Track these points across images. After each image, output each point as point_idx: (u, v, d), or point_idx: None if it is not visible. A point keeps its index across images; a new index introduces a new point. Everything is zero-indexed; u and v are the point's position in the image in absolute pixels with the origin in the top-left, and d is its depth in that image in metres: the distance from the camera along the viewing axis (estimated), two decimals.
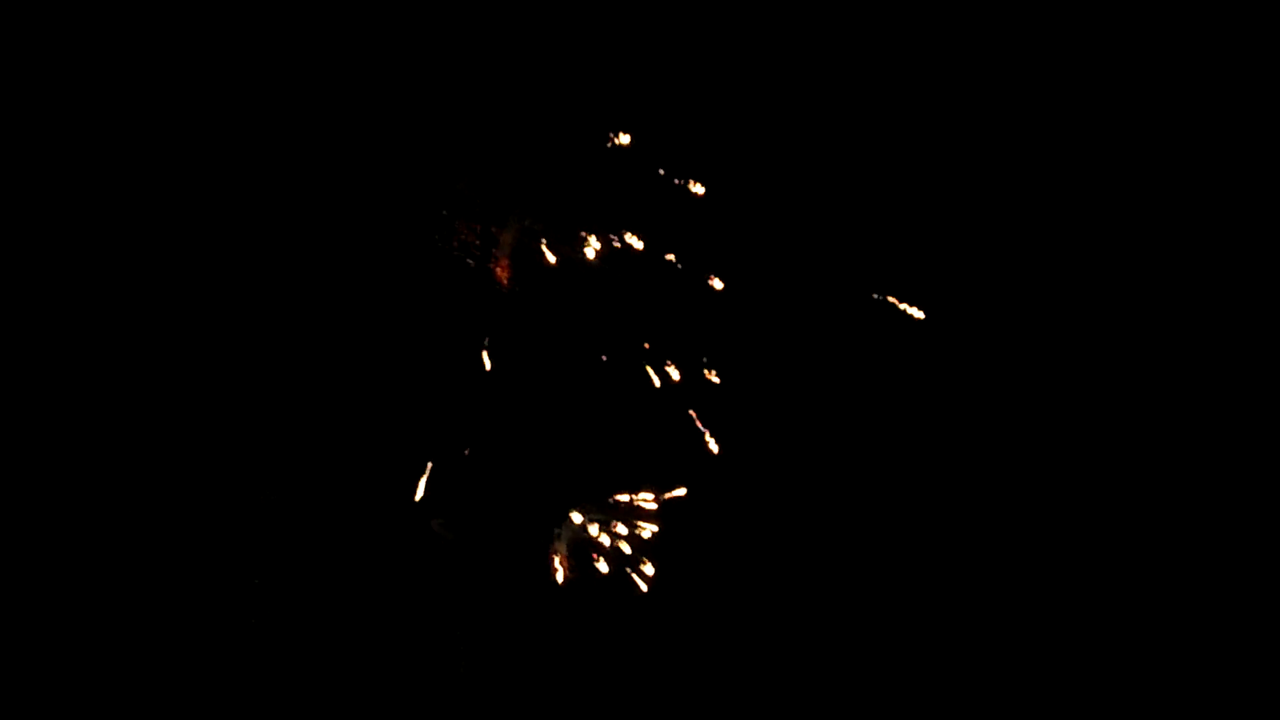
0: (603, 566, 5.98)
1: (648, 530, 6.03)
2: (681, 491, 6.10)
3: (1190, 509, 6.13)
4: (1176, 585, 6.07)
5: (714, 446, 6.13)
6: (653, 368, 6.15)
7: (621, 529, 6.02)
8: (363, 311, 6.07)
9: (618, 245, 6.09)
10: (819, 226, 6.36)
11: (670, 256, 6.16)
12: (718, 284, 6.17)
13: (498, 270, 6.10)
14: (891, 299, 6.23)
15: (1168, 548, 6.12)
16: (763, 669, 6.13)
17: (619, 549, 6.01)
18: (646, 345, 6.16)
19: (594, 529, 5.99)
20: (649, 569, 6.01)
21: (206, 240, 5.97)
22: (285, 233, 6.02)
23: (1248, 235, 6.22)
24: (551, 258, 6.11)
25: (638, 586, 6.01)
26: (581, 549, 6.02)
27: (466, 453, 6.06)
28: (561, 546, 5.97)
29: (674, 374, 6.15)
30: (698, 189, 6.15)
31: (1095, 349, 6.31)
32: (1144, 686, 5.99)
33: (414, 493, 5.95)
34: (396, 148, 6.09)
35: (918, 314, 6.19)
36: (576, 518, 6.02)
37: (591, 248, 6.11)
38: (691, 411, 6.15)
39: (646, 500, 6.06)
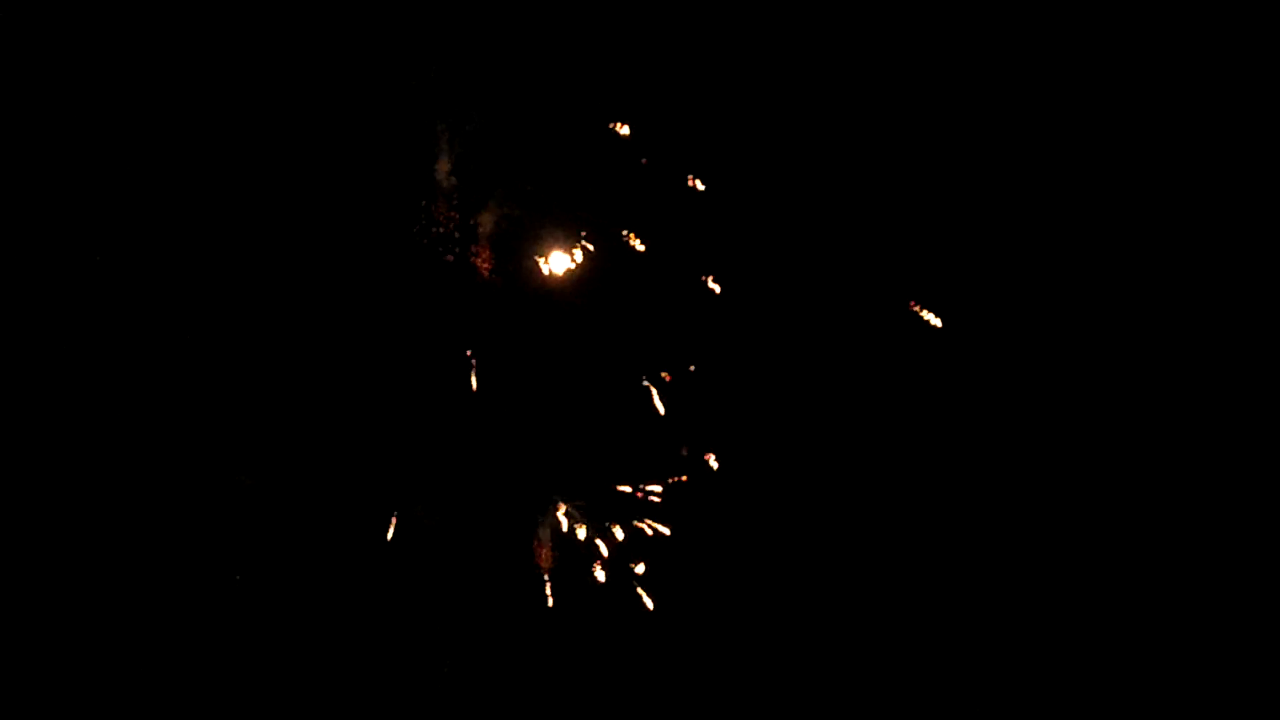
0: (581, 555, 5.96)
1: (631, 526, 6.01)
2: (662, 486, 6.08)
3: (1191, 509, 6.14)
4: (1177, 585, 6.07)
5: (708, 447, 6.12)
6: (643, 363, 6.10)
7: (604, 522, 6.00)
8: (335, 302, 5.96)
9: (608, 232, 6.03)
10: (822, 224, 6.35)
11: (665, 247, 6.09)
12: (714, 277, 6.13)
13: (477, 260, 6.01)
14: (897, 299, 6.23)
15: (1169, 548, 6.12)
16: (754, 670, 6.14)
17: (601, 541, 6.00)
18: (638, 339, 6.10)
19: (579, 524, 5.97)
20: (631, 564, 5.99)
21: (163, 234, 5.90)
22: (246, 221, 5.93)
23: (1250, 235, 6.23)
24: (536, 245, 6.03)
25: (615, 579, 5.99)
26: (564, 540, 6.00)
27: (452, 446, 5.98)
28: (545, 534, 5.94)
29: (665, 371, 6.11)
30: (697, 182, 6.11)
31: (1100, 351, 6.31)
32: (1145, 686, 6.00)
33: (390, 514, 5.88)
34: (364, 129, 5.96)
35: (933, 319, 6.19)
36: (560, 510, 5.99)
37: (579, 234, 6.04)
38: (682, 409, 6.12)
39: (631, 493, 6.04)
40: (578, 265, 6.02)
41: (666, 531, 6.07)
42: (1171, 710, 5.95)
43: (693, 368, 6.14)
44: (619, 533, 6.03)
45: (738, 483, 6.23)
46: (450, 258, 5.92)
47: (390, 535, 5.92)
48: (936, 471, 6.27)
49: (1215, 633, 5.99)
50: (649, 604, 6.04)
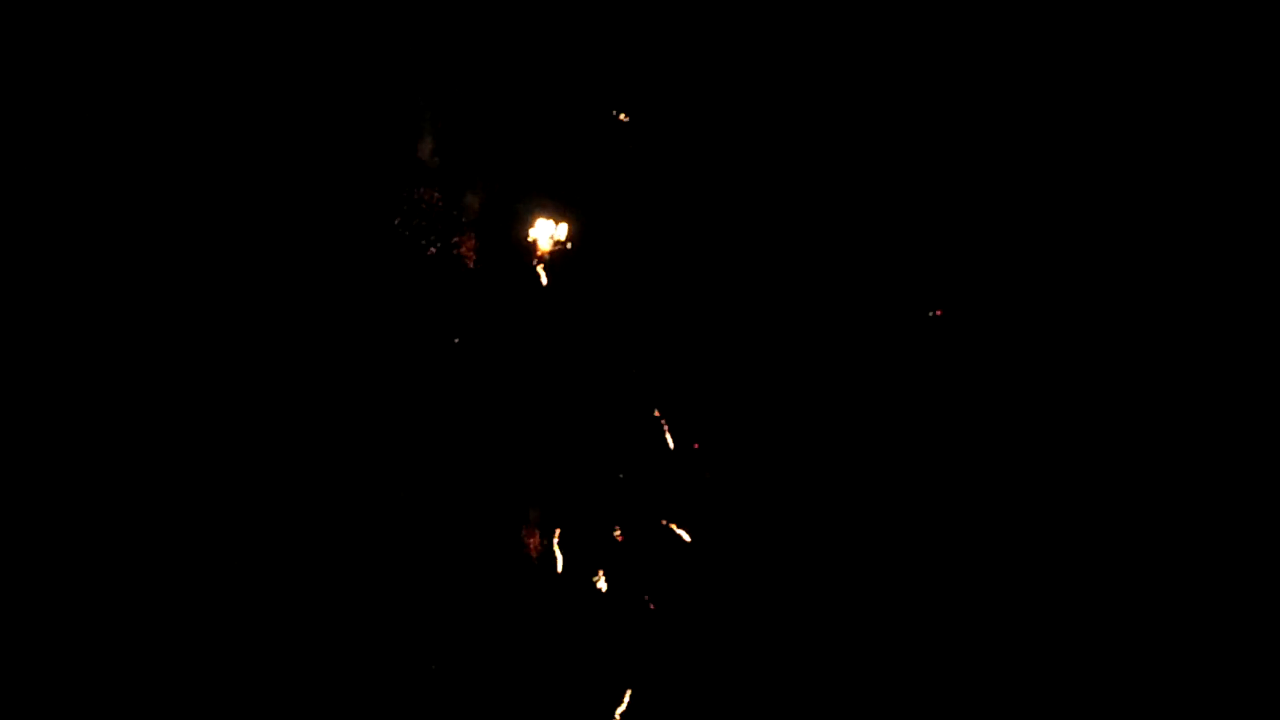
0: (567, 557, 5.92)
1: (627, 525, 5.98)
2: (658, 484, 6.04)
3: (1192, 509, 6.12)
4: (1177, 585, 6.05)
5: (702, 443, 6.06)
6: (636, 355, 6.04)
7: (598, 520, 5.96)
8: (317, 292, 5.80)
9: (603, 220, 5.95)
10: (823, 218, 6.34)
11: (657, 235, 6.01)
12: (709, 267, 6.05)
13: (463, 249, 5.87)
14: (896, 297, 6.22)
15: (1170, 548, 6.11)
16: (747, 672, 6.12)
17: (597, 540, 5.96)
18: (630, 329, 6.03)
19: (571, 523, 5.93)
20: (628, 564, 5.95)
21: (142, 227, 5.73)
22: (224, 211, 5.74)
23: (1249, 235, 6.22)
24: (527, 231, 5.94)
25: (613, 579, 5.95)
26: (556, 539, 5.96)
27: (441, 440, 5.87)
28: (534, 530, 5.91)
29: (662, 368, 6.06)
30: (689, 169, 6.04)
31: (1101, 351, 6.30)
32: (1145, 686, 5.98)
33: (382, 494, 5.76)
34: (346, 113, 5.80)
35: (934, 318, 6.17)
36: (549, 511, 5.95)
37: (572, 221, 5.96)
38: (678, 409, 6.07)
39: (626, 491, 6.00)
40: (567, 252, 5.98)
41: (685, 534, 6.05)
42: (1172, 710, 5.93)
43: (686, 360, 6.10)
44: (617, 532, 6.02)
45: (734, 481, 6.23)
46: (433, 250, 5.85)
47: (382, 532, 5.89)
48: (936, 471, 6.26)
49: (1215, 633, 5.97)
50: (649, 604, 6.03)
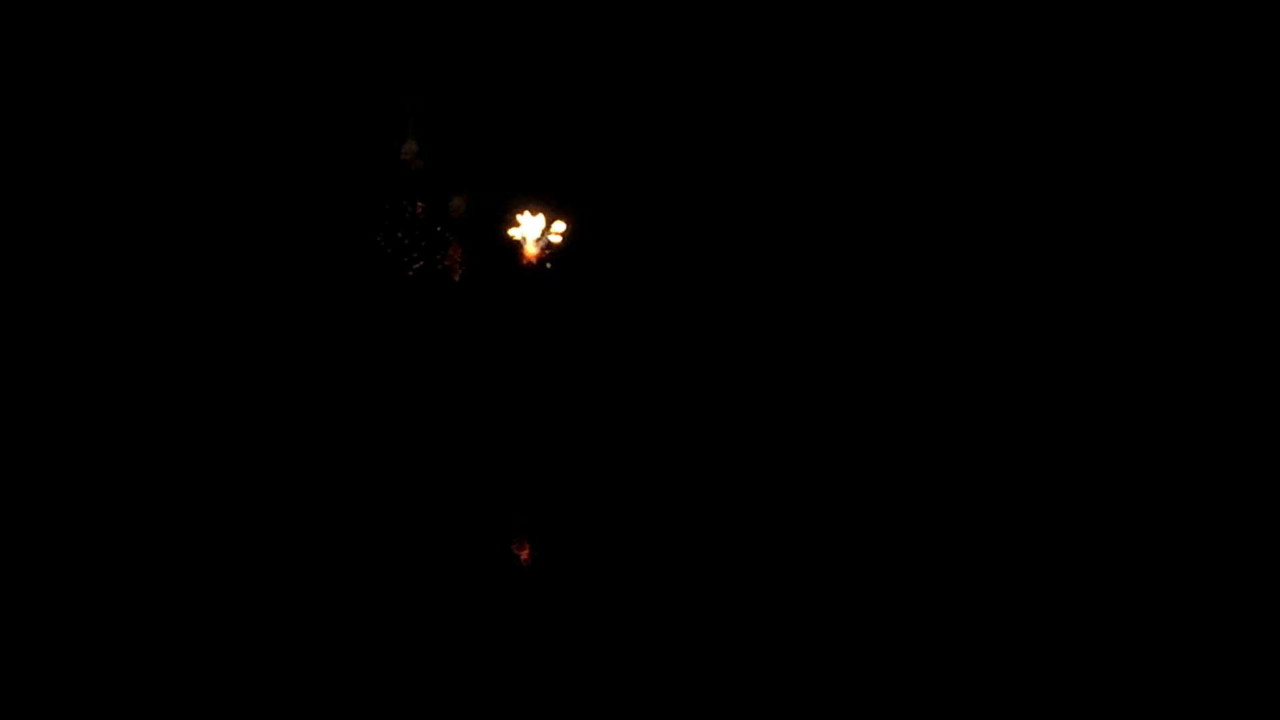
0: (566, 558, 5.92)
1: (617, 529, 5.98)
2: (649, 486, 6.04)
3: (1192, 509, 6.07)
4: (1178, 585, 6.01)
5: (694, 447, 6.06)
6: (630, 368, 6.05)
7: (588, 524, 5.97)
8: (304, 295, 5.81)
9: (591, 223, 5.94)
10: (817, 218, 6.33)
11: (655, 241, 6.02)
12: (701, 269, 6.05)
13: (448, 259, 5.90)
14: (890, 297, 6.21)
15: (1169, 548, 6.06)
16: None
17: (584, 547, 5.97)
18: (624, 343, 6.04)
19: (561, 525, 5.94)
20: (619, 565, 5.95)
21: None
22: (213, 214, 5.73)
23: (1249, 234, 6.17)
24: (513, 238, 5.95)
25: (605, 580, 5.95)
26: (545, 548, 5.97)
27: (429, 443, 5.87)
28: (524, 539, 5.92)
29: (657, 374, 6.06)
30: (677, 168, 6.05)
31: (1099, 351, 6.27)
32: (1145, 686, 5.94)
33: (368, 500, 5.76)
34: (332, 115, 5.80)
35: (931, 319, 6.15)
36: (541, 519, 5.96)
37: (559, 223, 5.96)
38: (672, 418, 6.07)
39: (616, 495, 6.00)
40: (555, 256, 5.99)
41: (679, 538, 6.05)
42: (1171, 710, 5.88)
43: (676, 366, 6.11)
44: (608, 538, 6.03)
45: (728, 485, 6.22)
46: (417, 253, 5.86)
47: (373, 543, 5.91)
48: (935, 471, 6.24)
49: (1215, 633, 5.92)
50: (642, 608, 6.03)
